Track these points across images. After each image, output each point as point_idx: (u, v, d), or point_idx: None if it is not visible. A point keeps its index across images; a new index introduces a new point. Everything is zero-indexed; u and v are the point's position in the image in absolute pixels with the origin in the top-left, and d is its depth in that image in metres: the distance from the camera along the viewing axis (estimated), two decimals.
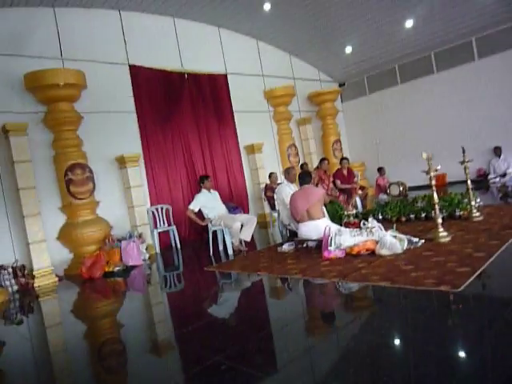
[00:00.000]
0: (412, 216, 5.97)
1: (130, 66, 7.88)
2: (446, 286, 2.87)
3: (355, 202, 7.59)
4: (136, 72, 7.91)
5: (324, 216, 5.09)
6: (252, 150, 9.54)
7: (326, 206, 6.21)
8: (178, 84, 8.47)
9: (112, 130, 7.48)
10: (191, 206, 6.01)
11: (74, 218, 6.52)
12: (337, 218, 5.94)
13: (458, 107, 10.35)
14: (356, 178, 8.00)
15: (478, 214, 5.26)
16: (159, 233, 7.47)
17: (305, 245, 5.28)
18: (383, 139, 11.79)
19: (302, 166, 8.66)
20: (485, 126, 9.93)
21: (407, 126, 11.34)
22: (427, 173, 4.60)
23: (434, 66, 10.72)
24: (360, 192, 7.68)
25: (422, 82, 10.94)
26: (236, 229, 5.78)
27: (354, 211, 5.83)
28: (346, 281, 3.48)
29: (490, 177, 9.55)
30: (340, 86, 12.74)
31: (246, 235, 5.98)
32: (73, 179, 6.40)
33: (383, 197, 9.94)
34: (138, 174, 7.48)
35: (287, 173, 6.27)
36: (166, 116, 8.18)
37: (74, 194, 6.42)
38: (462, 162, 5.36)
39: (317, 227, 4.94)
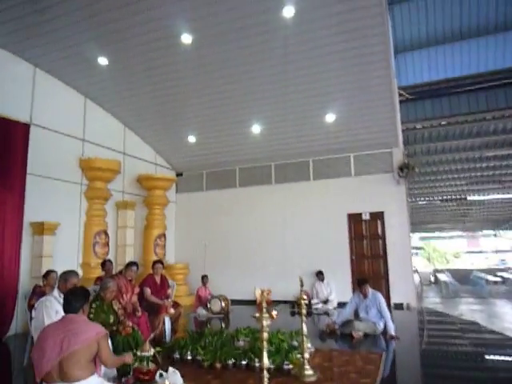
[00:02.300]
0: (230, 362, 4.38)
1: None
2: None
3: (162, 325, 5.68)
4: None
5: (93, 373, 3.00)
6: (41, 229, 6.97)
7: (113, 339, 4.20)
8: None
9: None
10: None
11: None
12: (134, 359, 3.94)
13: (288, 223, 10.04)
14: (170, 290, 6.22)
15: (310, 371, 3.99)
16: None
17: None
18: (212, 242, 10.60)
19: (103, 263, 6.49)
20: (310, 248, 9.72)
21: (238, 233, 10.50)
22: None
23: (272, 176, 10.51)
24: (172, 311, 5.85)
25: (259, 190, 10.53)
26: None
27: (152, 351, 3.94)
28: None
29: (313, 301, 9.01)
30: (177, 175, 11.51)
31: None
32: None
33: (202, 312, 8.38)
34: None
35: (63, 279, 4.11)
36: None
37: None
38: (298, 301, 4.20)
39: None
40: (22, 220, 6.84)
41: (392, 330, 5.80)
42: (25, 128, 7.09)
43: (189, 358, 4.62)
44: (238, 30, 6.42)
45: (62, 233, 7.47)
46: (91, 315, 4.32)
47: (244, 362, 4.34)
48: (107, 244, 8.41)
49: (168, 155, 10.94)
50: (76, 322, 3.03)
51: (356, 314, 6.29)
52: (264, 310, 3.19)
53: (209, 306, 8.38)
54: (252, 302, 9.12)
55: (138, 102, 8.63)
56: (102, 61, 7.12)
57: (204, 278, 8.96)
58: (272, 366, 4.12)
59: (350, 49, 6.67)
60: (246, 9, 5.97)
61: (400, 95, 9.64)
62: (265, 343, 3.26)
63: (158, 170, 10.70)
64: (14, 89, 7.04)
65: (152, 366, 3.92)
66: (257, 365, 4.22)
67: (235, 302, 8.97)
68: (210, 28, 6.38)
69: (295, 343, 4.80)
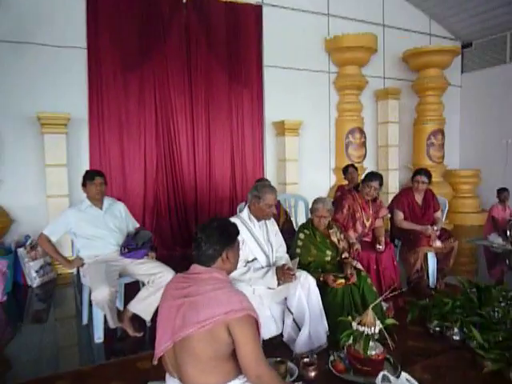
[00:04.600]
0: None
1: None
2: None
3: (423, 264, 3.73)
4: None
5: (230, 379, 1.60)
6: (281, 129, 6.04)
7: (326, 288, 2.76)
8: (166, 9, 5.32)
9: (34, 73, 4.79)
10: (46, 231, 2.99)
11: None
12: (344, 335, 2.39)
13: None
14: (439, 214, 4.04)
15: None
16: None
17: None
18: None
19: (344, 169, 4.94)
20: None
21: None
22: None
23: None
24: (439, 244, 3.75)
25: None
26: (103, 298, 2.64)
27: (378, 326, 2.22)
28: None
29: None
30: (464, 47, 8.17)
31: (143, 309, 2.83)
32: None
33: (497, 240, 5.80)
34: (64, 146, 4.69)
35: (254, 196, 2.76)
36: (136, 58, 5.17)
37: None
38: None
39: None
40: (262, 119, 6.09)
41: None
42: (256, 10, 5.98)
43: (455, 338, 2.64)
44: None
45: (308, 133, 6.37)
46: (298, 249, 2.96)
47: None
48: (363, 145, 6.77)
49: (447, 18, 7.69)
50: (202, 283, 1.63)
51: None
52: None
53: (508, 232, 5.65)
54: None
55: None
56: None
57: (503, 193, 6.07)
58: None
59: None
60: None
61: None
62: None
63: (434, 42, 7.77)
64: None
65: (379, 350, 2.27)
66: None
67: None
68: None
69: None
